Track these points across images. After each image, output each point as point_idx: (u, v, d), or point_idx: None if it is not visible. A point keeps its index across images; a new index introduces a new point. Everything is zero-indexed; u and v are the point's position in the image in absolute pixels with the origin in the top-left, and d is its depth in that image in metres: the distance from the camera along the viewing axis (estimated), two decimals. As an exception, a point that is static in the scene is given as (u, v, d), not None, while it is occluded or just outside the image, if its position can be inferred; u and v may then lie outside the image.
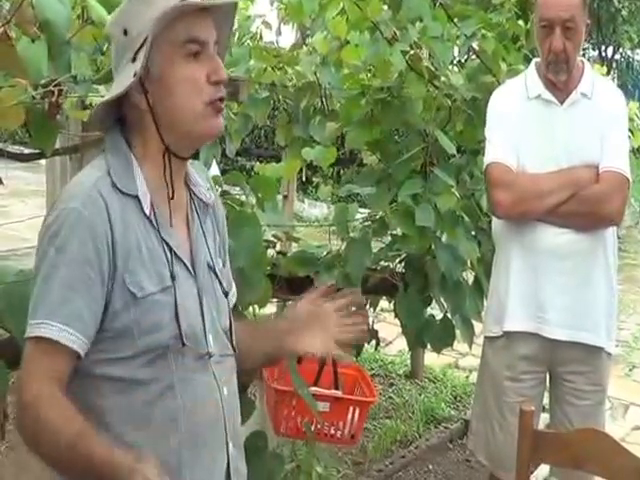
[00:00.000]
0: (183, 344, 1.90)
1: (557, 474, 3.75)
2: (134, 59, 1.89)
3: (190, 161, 2.09)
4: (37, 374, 1.80)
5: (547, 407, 3.67)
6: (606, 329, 3.42)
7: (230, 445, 2.04)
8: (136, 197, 1.92)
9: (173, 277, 1.92)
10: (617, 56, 21.59)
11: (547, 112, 3.39)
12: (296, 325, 2.18)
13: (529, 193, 3.30)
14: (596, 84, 3.44)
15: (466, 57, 5.14)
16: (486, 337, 3.60)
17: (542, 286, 3.36)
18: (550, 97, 3.39)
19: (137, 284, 1.87)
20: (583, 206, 3.28)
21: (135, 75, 1.87)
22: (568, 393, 3.46)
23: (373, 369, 6.56)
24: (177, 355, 1.91)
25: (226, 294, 2.12)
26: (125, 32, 1.92)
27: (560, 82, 3.35)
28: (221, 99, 1.95)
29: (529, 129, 3.39)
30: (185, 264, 1.98)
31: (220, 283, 2.10)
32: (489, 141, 3.46)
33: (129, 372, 1.87)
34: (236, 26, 5.34)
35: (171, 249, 1.95)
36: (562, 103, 3.38)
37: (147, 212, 1.92)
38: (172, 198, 1.97)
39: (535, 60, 3.52)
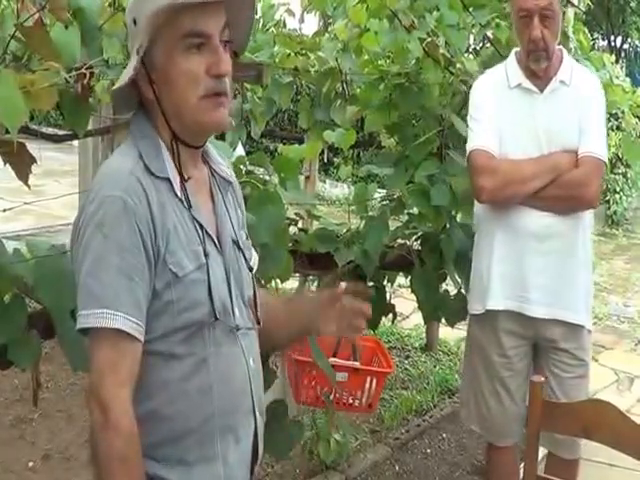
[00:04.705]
0: (216, 318, 1.88)
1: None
2: (138, 50, 1.83)
3: (212, 140, 2.07)
4: (112, 373, 1.76)
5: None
6: (585, 307, 3.41)
7: (257, 412, 2.03)
8: (167, 179, 1.88)
9: (206, 254, 1.89)
10: (625, 46, 21.53)
11: (528, 100, 3.35)
12: (317, 310, 2.18)
13: (513, 178, 3.26)
14: (574, 71, 3.39)
15: (481, 45, 5.12)
16: (471, 314, 3.58)
17: (524, 267, 3.33)
18: (530, 86, 3.34)
19: (178, 264, 1.83)
20: (563, 190, 3.25)
21: (135, 70, 1.82)
22: (553, 365, 3.42)
23: (390, 342, 6.56)
24: (210, 330, 1.89)
25: (250, 269, 2.10)
26: (135, 22, 1.86)
27: (541, 70, 3.30)
28: (219, 93, 1.86)
29: (510, 117, 3.34)
30: (213, 241, 1.96)
31: (244, 257, 2.07)
32: (471, 129, 3.40)
33: (167, 347, 1.85)
34: (260, 14, 5.33)
35: (202, 226, 1.92)
36: (542, 91, 3.33)
37: (178, 193, 1.89)
38: (186, 181, 1.91)
39: (515, 50, 3.47)
